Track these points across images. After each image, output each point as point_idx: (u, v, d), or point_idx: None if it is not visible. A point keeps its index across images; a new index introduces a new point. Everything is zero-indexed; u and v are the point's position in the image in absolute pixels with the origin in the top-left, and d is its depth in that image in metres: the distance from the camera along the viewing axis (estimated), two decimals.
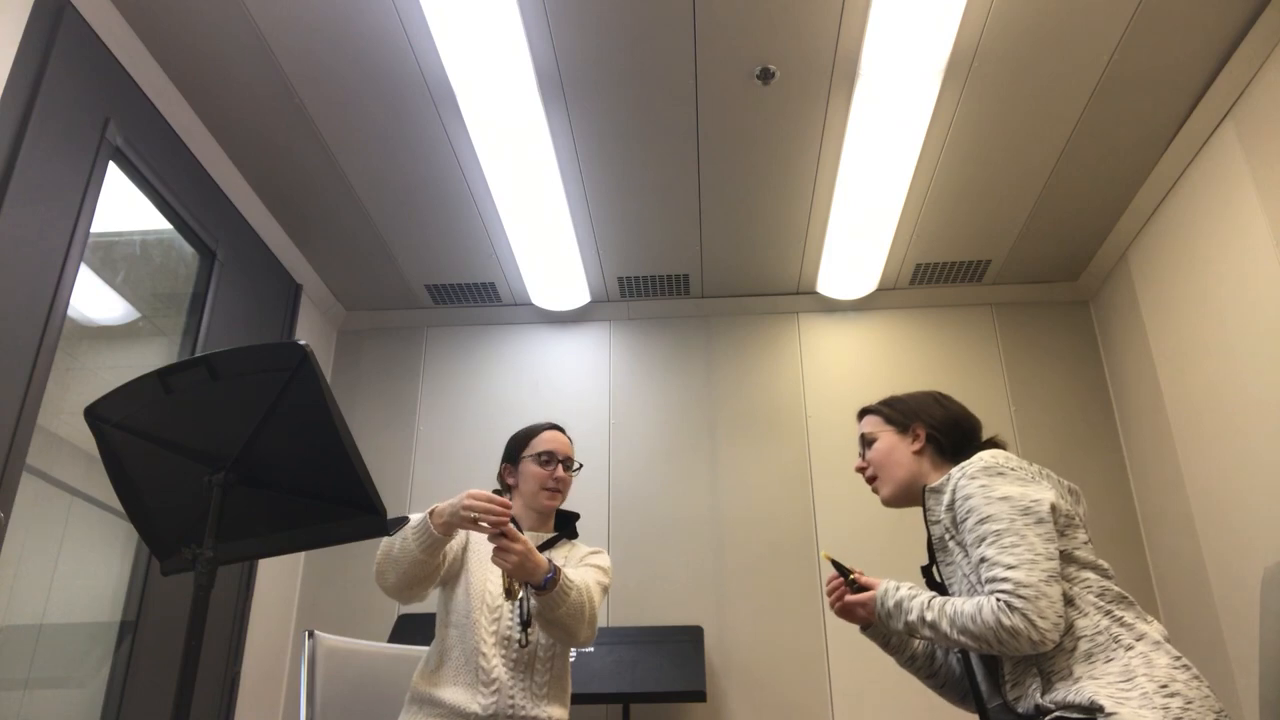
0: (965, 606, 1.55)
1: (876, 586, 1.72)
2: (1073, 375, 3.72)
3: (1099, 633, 1.51)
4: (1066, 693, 1.48)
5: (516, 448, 2.17)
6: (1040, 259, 3.72)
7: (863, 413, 1.95)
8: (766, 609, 3.47)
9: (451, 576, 2.01)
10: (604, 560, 2.12)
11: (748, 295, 3.97)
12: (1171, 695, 1.41)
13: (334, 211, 3.39)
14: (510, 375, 3.94)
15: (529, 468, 2.12)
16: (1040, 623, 1.47)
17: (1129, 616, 1.52)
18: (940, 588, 1.76)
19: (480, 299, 3.99)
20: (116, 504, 1.56)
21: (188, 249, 3.02)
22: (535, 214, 3.33)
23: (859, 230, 3.45)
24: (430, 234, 3.52)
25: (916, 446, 1.82)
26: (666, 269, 3.78)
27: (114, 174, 2.57)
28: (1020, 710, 1.59)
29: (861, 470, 1.89)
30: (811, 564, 3.53)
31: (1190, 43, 2.64)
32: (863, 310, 3.96)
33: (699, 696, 3.09)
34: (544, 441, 2.15)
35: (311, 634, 2.07)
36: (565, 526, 2.19)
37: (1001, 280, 3.87)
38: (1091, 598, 1.54)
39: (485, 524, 1.76)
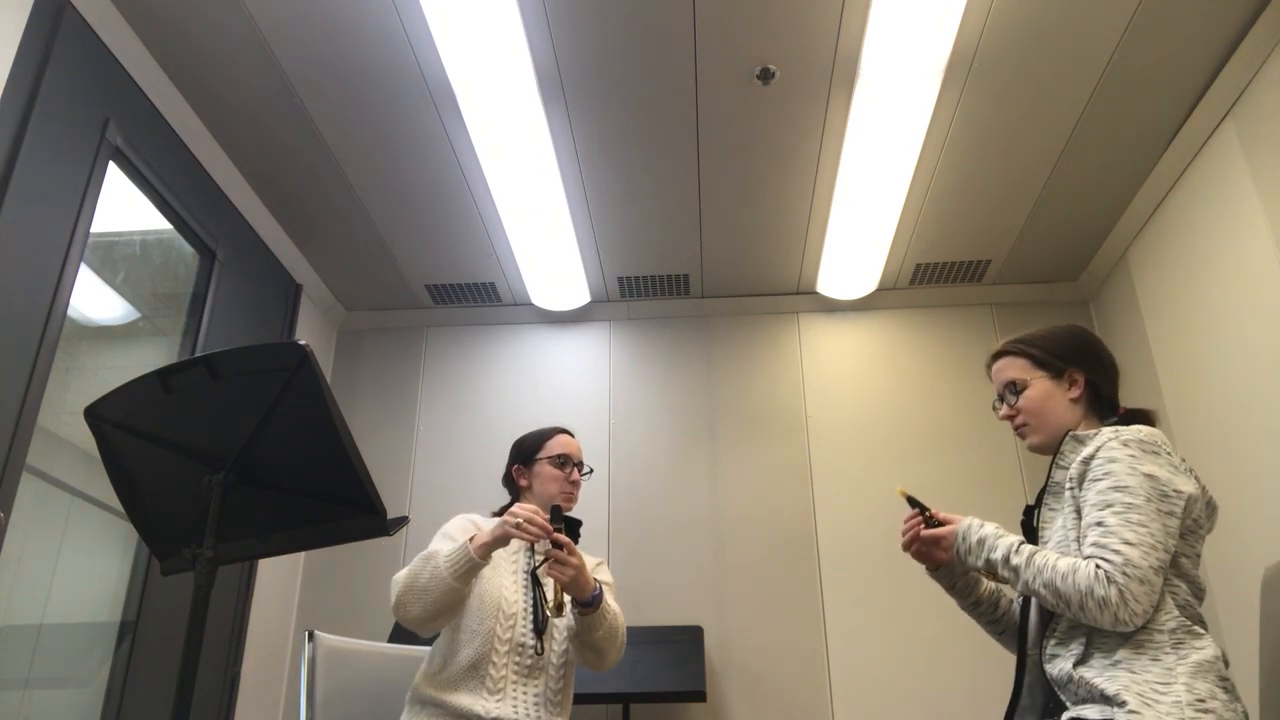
0: (1059, 563, 1.49)
1: (956, 522, 1.66)
2: None
3: (1160, 631, 1.46)
4: (1098, 674, 1.45)
5: (529, 450, 2.19)
6: (1040, 259, 3.72)
7: (999, 354, 1.81)
8: (766, 609, 3.47)
9: None
10: (609, 575, 2.16)
11: (748, 295, 3.97)
12: (1205, 712, 1.37)
13: (334, 211, 3.39)
14: (510, 375, 3.94)
15: (545, 470, 2.15)
16: (1133, 605, 1.42)
17: (1198, 629, 1.48)
18: (1033, 533, 1.71)
19: (480, 299, 3.99)
20: (116, 504, 1.56)
21: (188, 249, 3.02)
22: (535, 214, 3.33)
23: (859, 230, 3.45)
24: (430, 234, 3.52)
25: (1075, 394, 1.72)
26: (666, 269, 3.78)
27: (114, 174, 2.57)
28: (1046, 666, 1.56)
29: (1009, 418, 1.77)
30: (811, 564, 3.53)
31: (1190, 43, 2.63)
32: (863, 310, 3.96)
33: (699, 696, 3.09)
34: (559, 445, 2.18)
35: (311, 634, 2.07)
36: (570, 533, 2.20)
37: (1001, 280, 3.87)
38: (1172, 603, 1.49)
39: (530, 531, 1.82)
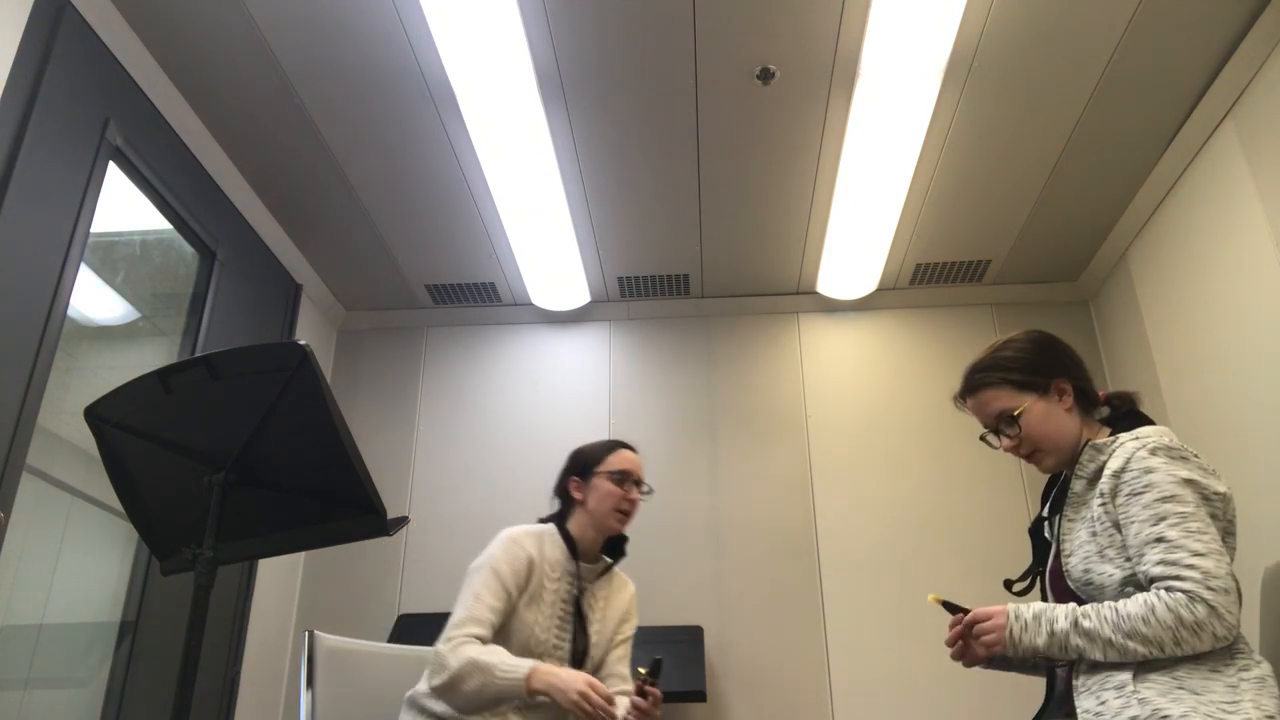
0: (1130, 608, 1.41)
1: (999, 614, 1.54)
2: None
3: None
4: (1161, 694, 1.38)
5: (589, 462, 2.09)
6: (1040, 259, 3.72)
7: (975, 387, 1.71)
8: (766, 609, 3.47)
9: None
10: (634, 622, 2.15)
11: (748, 295, 3.97)
12: None
13: (334, 211, 3.39)
14: (510, 375, 3.94)
15: (603, 485, 2.05)
16: (1227, 618, 1.37)
17: (1248, 640, 1.44)
18: (1044, 545, 1.67)
19: (480, 299, 3.99)
20: (116, 504, 1.56)
21: (188, 249, 3.02)
22: (535, 214, 3.33)
23: (859, 230, 3.45)
24: (430, 234, 3.52)
25: (1067, 404, 1.65)
26: (666, 269, 3.78)
27: (114, 174, 2.57)
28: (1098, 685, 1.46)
29: (1013, 450, 1.68)
30: (811, 564, 3.53)
31: (1190, 43, 2.63)
32: (863, 310, 3.96)
33: (699, 696, 3.08)
34: (620, 460, 2.08)
35: (312, 634, 2.06)
36: (613, 550, 2.13)
37: (1001, 280, 3.87)
38: None
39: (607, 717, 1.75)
